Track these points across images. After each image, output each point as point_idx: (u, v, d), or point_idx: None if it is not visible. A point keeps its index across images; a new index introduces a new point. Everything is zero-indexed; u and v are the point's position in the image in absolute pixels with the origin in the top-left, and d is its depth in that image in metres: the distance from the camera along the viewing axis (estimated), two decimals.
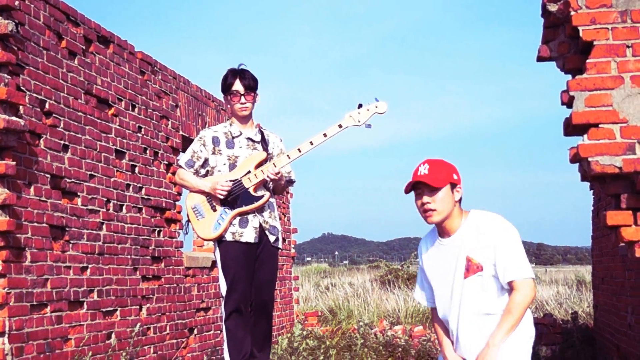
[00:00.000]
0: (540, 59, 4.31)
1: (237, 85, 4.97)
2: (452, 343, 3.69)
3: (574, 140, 4.09)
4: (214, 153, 5.01)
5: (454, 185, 3.58)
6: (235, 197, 4.90)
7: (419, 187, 3.57)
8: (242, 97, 4.98)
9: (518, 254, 3.49)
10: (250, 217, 4.94)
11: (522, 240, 3.60)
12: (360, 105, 4.94)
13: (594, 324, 9.84)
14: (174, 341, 7.32)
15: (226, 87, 5.01)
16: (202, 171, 5.02)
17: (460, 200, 3.62)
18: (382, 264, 22.92)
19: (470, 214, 3.61)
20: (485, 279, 3.50)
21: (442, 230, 3.64)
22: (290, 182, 5.21)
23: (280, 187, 5.12)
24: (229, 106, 5.08)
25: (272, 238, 5.00)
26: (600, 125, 3.88)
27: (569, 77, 4.15)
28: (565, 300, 15.04)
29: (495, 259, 3.48)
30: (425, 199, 3.55)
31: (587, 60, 3.93)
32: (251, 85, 5.00)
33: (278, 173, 4.91)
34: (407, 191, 3.62)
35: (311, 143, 4.91)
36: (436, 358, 8.56)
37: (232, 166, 4.98)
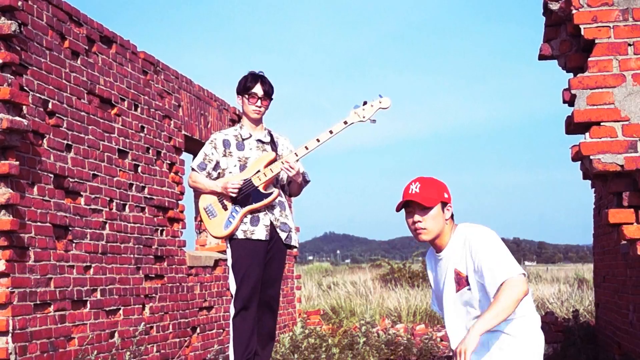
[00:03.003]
0: (541, 57, 4.33)
1: (257, 89, 5.10)
2: None
3: (576, 138, 4.11)
4: (224, 155, 5.10)
5: (444, 204, 3.55)
6: (246, 196, 4.99)
7: (410, 205, 3.56)
8: (259, 100, 5.11)
9: (500, 257, 3.39)
10: (261, 215, 5.02)
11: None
12: (365, 102, 5.04)
13: (596, 321, 9.85)
14: (177, 340, 7.34)
15: (245, 88, 5.11)
16: (214, 174, 5.12)
17: (452, 217, 3.60)
18: (384, 263, 22.94)
19: (458, 228, 3.59)
20: (473, 292, 3.47)
21: (435, 247, 3.64)
22: (306, 181, 5.28)
23: (296, 186, 5.20)
24: (242, 106, 5.16)
25: (283, 235, 5.09)
26: (602, 124, 3.90)
27: (571, 75, 4.16)
28: (567, 298, 15.05)
29: (480, 270, 3.41)
30: (417, 217, 3.54)
31: (589, 59, 3.95)
32: (269, 92, 5.14)
33: (292, 166, 4.97)
34: (398, 209, 3.62)
35: (318, 140, 5.01)
36: (438, 356, 8.58)
37: (243, 167, 5.08)
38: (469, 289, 3.47)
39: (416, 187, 3.52)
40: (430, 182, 3.56)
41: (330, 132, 5.01)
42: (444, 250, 3.59)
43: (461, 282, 3.51)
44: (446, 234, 3.57)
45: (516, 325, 3.41)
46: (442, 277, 3.62)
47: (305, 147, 5.02)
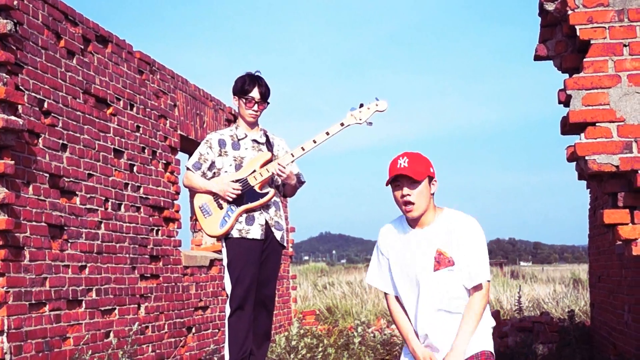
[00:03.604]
0: (537, 57, 4.34)
1: (255, 93, 5.10)
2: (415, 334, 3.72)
3: (571, 139, 4.11)
4: (220, 155, 5.11)
5: (430, 179, 3.66)
6: (242, 195, 4.99)
7: (398, 180, 3.63)
8: (256, 105, 5.11)
9: (484, 258, 3.60)
10: (256, 214, 5.04)
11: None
12: (361, 105, 5.07)
13: (591, 322, 9.86)
14: (172, 340, 7.33)
15: (243, 91, 5.10)
16: (209, 174, 5.12)
17: (433, 194, 3.69)
18: None
19: (445, 211, 3.68)
20: (455, 273, 3.58)
21: (414, 222, 3.67)
22: (301, 182, 5.30)
23: (291, 187, 5.20)
24: (239, 108, 5.17)
25: (278, 235, 5.10)
26: (597, 124, 3.90)
27: (566, 76, 4.17)
28: (562, 298, 15.07)
29: (462, 260, 3.57)
30: (406, 190, 3.60)
31: (584, 59, 3.95)
32: (266, 95, 5.14)
33: (284, 170, 4.98)
34: (388, 184, 3.67)
35: (314, 141, 5.04)
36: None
37: (238, 167, 5.09)
38: (451, 270, 3.57)
39: (404, 162, 3.60)
40: (418, 156, 3.65)
41: (327, 133, 5.03)
42: (425, 228, 3.65)
43: (442, 262, 3.59)
44: (430, 211, 3.65)
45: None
46: (413, 253, 3.65)
47: (302, 148, 5.04)
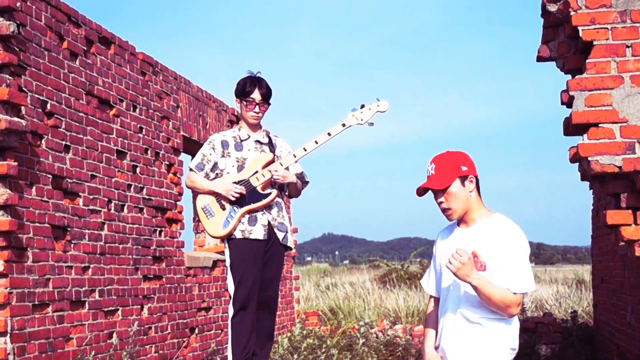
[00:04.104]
0: (540, 59, 4.34)
1: (256, 94, 5.11)
2: (437, 335, 3.63)
3: (574, 139, 4.12)
4: (223, 156, 5.13)
5: (464, 178, 3.48)
6: (244, 196, 5.02)
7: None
8: (258, 106, 5.12)
9: (527, 267, 3.47)
10: (259, 214, 5.05)
11: None
12: (362, 106, 5.08)
13: (594, 323, 9.86)
14: (175, 341, 7.34)
15: (245, 93, 5.12)
16: (212, 175, 5.14)
17: (478, 189, 3.53)
18: (383, 264, 22.95)
19: (494, 216, 3.54)
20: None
21: (461, 220, 3.58)
22: (305, 182, 5.31)
23: (295, 187, 5.21)
24: (241, 110, 5.18)
25: (280, 235, 5.11)
26: (600, 125, 3.90)
27: (569, 77, 4.17)
28: (565, 299, 15.06)
29: (498, 267, 3.43)
30: (439, 199, 3.52)
31: (587, 60, 3.95)
32: (267, 96, 5.15)
33: (277, 175, 4.99)
34: (419, 194, 3.59)
35: (316, 142, 5.05)
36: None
37: (241, 168, 5.11)
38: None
39: (432, 169, 3.51)
40: (445, 159, 3.51)
41: (329, 134, 5.06)
42: (470, 226, 3.53)
43: (474, 265, 3.43)
44: (475, 208, 3.52)
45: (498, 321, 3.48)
46: (452, 250, 3.53)
47: (304, 148, 5.06)
